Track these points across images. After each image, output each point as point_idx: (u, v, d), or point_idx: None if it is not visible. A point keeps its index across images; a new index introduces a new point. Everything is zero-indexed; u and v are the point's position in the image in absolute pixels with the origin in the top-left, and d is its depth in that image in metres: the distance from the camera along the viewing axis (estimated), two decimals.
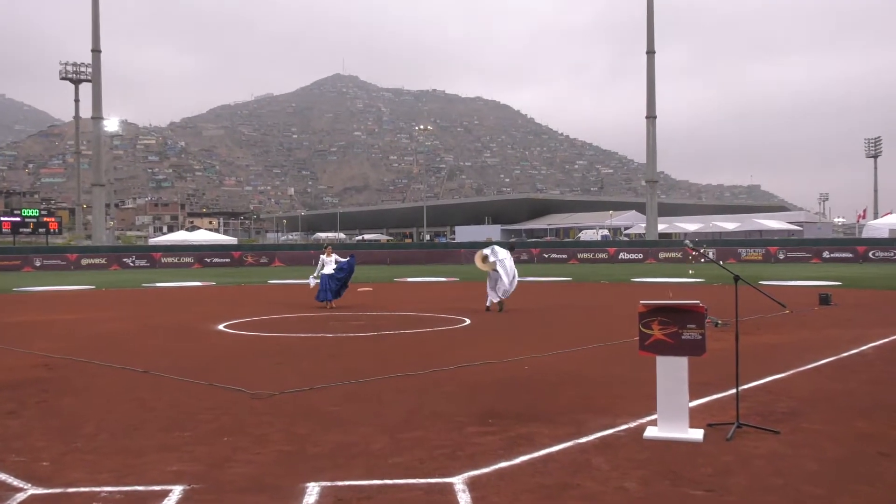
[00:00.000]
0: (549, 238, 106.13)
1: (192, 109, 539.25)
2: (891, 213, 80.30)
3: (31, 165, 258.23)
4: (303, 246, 73.47)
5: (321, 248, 68.76)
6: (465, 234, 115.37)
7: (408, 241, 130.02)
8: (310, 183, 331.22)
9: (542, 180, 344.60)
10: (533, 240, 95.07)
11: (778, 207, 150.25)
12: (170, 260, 55.43)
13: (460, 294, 25.80)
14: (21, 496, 5.39)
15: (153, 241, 76.10)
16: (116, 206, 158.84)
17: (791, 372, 9.88)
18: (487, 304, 19.02)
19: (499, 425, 7.15)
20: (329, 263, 21.07)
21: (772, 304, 7.90)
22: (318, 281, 20.96)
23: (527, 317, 17.83)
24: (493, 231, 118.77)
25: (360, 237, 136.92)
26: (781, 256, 52.57)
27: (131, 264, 54.40)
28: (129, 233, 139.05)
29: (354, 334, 14.49)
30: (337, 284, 20.89)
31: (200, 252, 57.68)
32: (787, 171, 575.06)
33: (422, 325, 15.95)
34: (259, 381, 9.57)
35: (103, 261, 54.06)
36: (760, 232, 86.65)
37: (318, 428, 7.16)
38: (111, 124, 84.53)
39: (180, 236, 75.47)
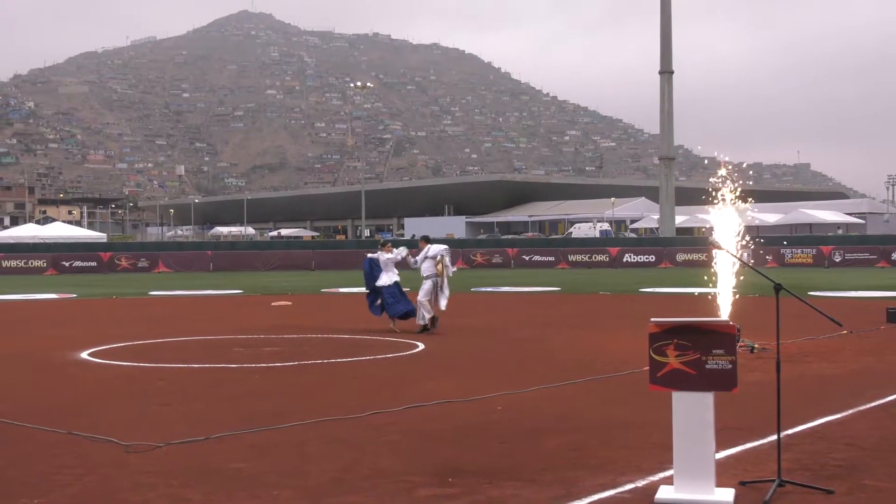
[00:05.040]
0: (530, 234, 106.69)
1: (45, 58, 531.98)
2: None
3: None
4: (196, 244, 72.82)
5: (227, 245, 67.95)
6: (417, 228, 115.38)
7: (340, 237, 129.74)
8: (206, 159, 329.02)
9: (521, 156, 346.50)
10: (509, 237, 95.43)
11: (833, 193, 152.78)
12: (13, 263, 54.60)
13: None
14: None
15: None
16: None
17: (850, 412, 10.03)
18: (425, 319, 18.97)
19: (462, 486, 7.16)
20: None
21: (825, 322, 8.01)
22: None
23: (499, 341, 17.88)
24: (455, 224, 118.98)
25: (274, 233, 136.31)
26: (837, 258, 53.44)
27: None
28: None
29: (267, 364, 14.41)
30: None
31: (56, 252, 56.91)
32: (846, 146, 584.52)
33: (359, 352, 15.93)
34: (136, 428, 9.47)
35: None
36: (810, 226, 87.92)
37: (218, 492, 7.10)
38: None
39: (28, 231, 74.41)
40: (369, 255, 20.49)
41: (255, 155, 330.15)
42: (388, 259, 19.90)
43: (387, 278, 19.74)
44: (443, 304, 19.26)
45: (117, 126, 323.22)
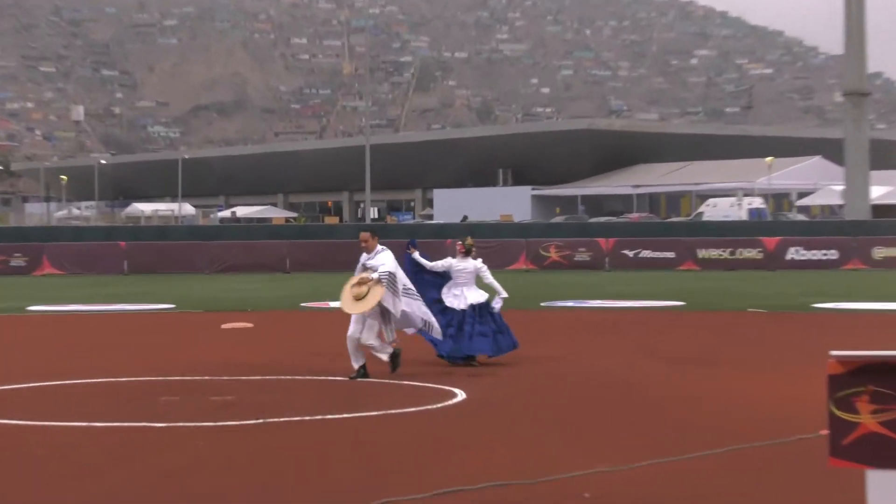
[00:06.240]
0: (636, 216, 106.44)
1: None
2: None
3: None
4: (104, 231, 73.19)
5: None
6: (452, 205, 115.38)
7: (332, 220, 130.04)
8: (119, 96, 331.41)
9: (620, 92, 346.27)
10: (601, 219, 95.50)
11: None
12: None
13: None
14: None
15: None
16: None
17: None
18: (360, 362, 18.44)
19: None
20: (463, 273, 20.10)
21: None
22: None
23: (584, 386, 17.91)
24: (515, 199, 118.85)
25: (226, 213, 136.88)
26: None
27: None
28: None
29: (213, 423, 14.49)
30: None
31: None
32: None
33: (361, 404, 15.99)
34: None
35: None
36: None
37: None
38: None
39: None
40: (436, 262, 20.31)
41: (196, 89, 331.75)
42: (461, 268, 20.01)
43: (459, 299, 19.84)
44: (388, 335, 18.37)
45: None
